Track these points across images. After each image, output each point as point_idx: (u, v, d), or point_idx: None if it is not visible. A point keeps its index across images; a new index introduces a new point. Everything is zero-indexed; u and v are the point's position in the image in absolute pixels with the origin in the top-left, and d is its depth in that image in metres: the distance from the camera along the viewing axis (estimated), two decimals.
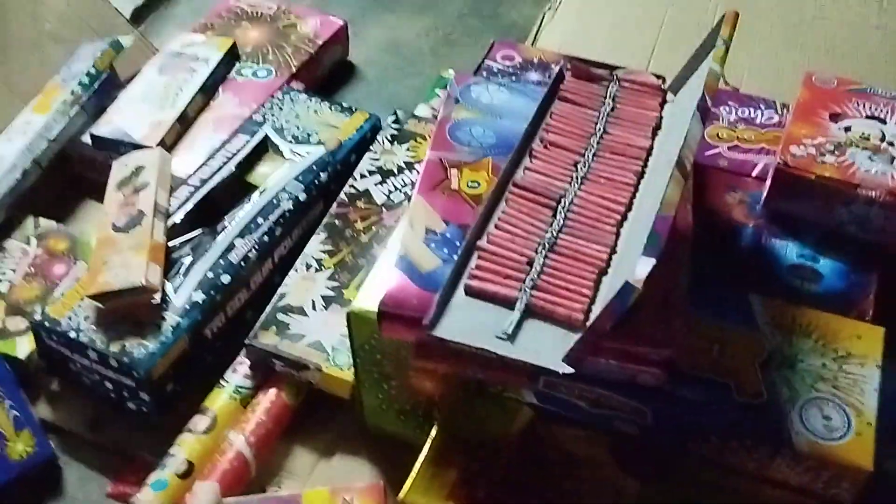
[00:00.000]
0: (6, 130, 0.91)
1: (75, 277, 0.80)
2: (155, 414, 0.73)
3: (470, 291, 0.58)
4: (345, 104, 0.94)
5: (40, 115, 0.91)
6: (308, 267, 0.79)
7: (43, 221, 0.86)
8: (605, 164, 0.66)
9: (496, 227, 0.61)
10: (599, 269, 0.59)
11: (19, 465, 0.70)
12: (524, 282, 0.58)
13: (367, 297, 0.62)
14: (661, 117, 0.70)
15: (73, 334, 0.72)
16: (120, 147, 0.89)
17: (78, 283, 0.76)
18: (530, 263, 0.59)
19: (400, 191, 0.84)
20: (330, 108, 0.93)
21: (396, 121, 0.90)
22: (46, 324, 0.73)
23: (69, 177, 0.93)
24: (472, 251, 0.60)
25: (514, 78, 0.92)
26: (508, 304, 0.57)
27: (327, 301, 0.76)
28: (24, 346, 0.76)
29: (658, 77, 0.75)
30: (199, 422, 0.72)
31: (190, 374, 0.75)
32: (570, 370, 0.53)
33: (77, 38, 1.01)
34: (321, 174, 0.86)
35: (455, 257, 0.59)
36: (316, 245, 0.80)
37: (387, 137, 0.88)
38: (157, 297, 0.73)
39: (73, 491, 0.72)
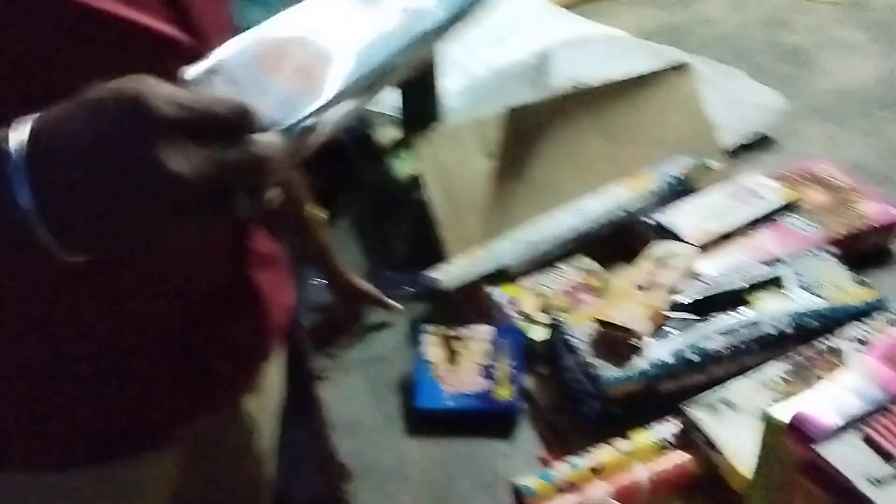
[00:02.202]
0: (602, 194, 1.21)
1: (592, 306, 1.06)
2: (597, 422, 0.95)
3: (866, 439, 0.68)
4: (864, 279, 1.05)
5: (626, 192, 1.19)
6: (762, 381, 0.93)
7: (592, 263, 1.14)
8: None
9: None
10: None
11: (497, 403, 0.98)
12: None
13: (787, 408, 0.76)
14: None
15: (573, 339, 0.97)
16: (669, 235, 1.13)
17: (593, 309, 1.01)
18: None
19: None
20: (849, 277, 1.05)
21: None
22: (561, 325, 0.99)
23: (622, 240, 1.20)
24: (885, 409, 0.70)
25: None
26: (889, 460, 0.66)
27: (761, 413, 0.90)
28: (539, 333, 1.04)
29: None
30: (622, 444, 0.91)
31: (634, 409, 0.95)
32: None
33: (679, 151, 1.28)
34: (812, 321, 0.99)
35: (867, 408, 0.70)
36: (777, 368, 0.94)
37: (888, 323, 0.98)
38: (638, 344, 0.95)
39: (518, 439, 0.97)
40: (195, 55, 0.56)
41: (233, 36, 0.66)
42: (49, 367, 0.67)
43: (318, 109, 0.48)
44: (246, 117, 0.45)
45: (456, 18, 0.59)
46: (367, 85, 0.52)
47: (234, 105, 0.45)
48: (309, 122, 0.48)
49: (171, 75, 0.54)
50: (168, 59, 0.55)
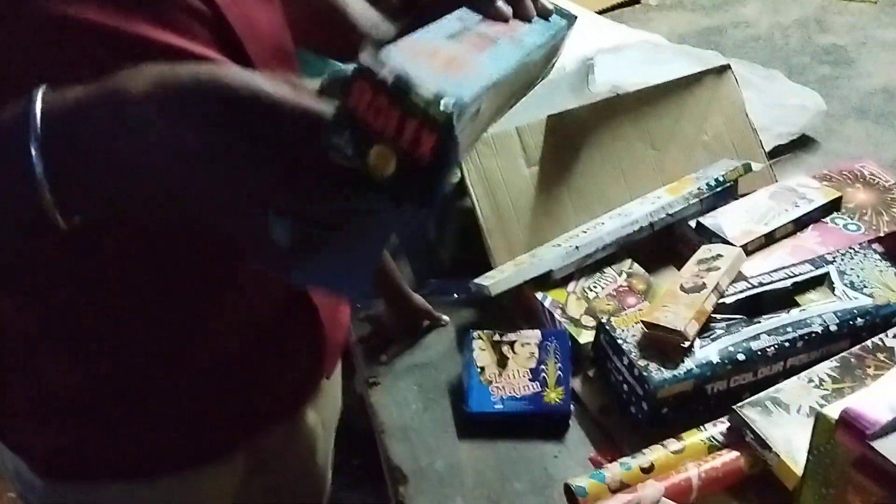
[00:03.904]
0: (644, 198, 1.22)
1: (639, 308, 1.07)
2: (646, 422, 0.96)
3: None
4: None
5: (669, 195, 1.20)
6: (810, 381, 0.94)
7: (636, 266, 1.15)
8: None
9: None
10: None
11: (547, 406, 0.99)
12: None
13: (839, 406, 0.77)
14: None
15: (620, 341, 0.98)
16: (713, 237, 1.14)
17: (639, 312, 1.03)
18: None
19: None
20: (895, 274, 1.06)
21: None
22: (608, 327, 1.01)
23: (666, 244, 1.21)
24: None
25: None
26: None
27: (811, 411, 0.91)
28: (586, 336, 1.05)
29: None
30: (672, 444, 0.92)
31: (682, 409, 0.96)
32: None
33: (721, 153, 1.29)
34: (858, 319, 1.00)
35: None
36: (826, 367, 0.95)
37: None
38: (686, 345, 0.96)
39: (569, 441, 0.99)
40: None
41: (290, 64, 0.68)
42: (129, 383, 0.70)
43: (479, 92, 0.45)
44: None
45: (550, 49, 0.61)
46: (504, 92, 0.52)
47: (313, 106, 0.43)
48: (472, 106, 0.44)
49: None
50: None
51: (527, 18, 0.62)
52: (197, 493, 0.76)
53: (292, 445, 0.84)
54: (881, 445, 0.70)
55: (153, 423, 0.71)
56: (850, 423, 0.73)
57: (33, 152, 0.42)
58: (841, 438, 0.74)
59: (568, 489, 0.88)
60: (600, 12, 1.84)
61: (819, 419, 0.78)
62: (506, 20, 0.60)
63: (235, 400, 0.74)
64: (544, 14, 0.64)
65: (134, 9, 0.54)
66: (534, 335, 1.05)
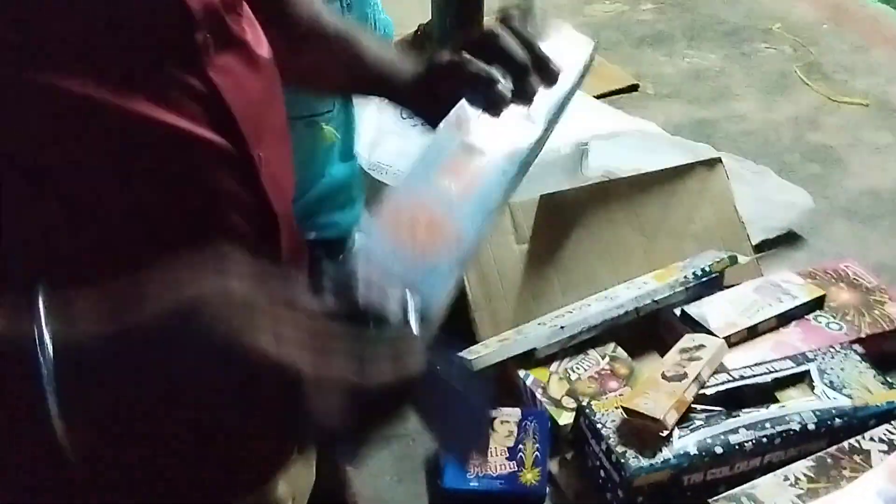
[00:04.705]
0: (632, 283, 1.24)
1: (620, 393, 1.08)
2: None
3: None
4: (889, 379, 1.06)
5: (656, 282, 1.22)
6: (786, 478, 0.94)
7: (620, 350, 1.16)
8: None
9: None
10: None
11: (522, 486, 0.99)
12: None
13: None
14: None
15: (599, 425, 0.98)
16: (697, 327, 1.15)
17: (620, 397, 1.03)
18: None
19: None
20: (874, 377, 1.06)
21: None
22: (588, 411, 1.01)
23: (650, 330, 1.22)
24: None
25: None
26: None
27: None
28: (566, 418, 1.05)
29: None
30: None
31: (657, 499, 0.95)
32: None
33: (709, 244, 1.31)
34: (837, 419, 1.00)
35: None
36: (802, 466, 0.95)
37: None
38: (664, 434, 0.96)
39: None
40: (238, 161, 0.58)
41: (285, 144, 0.69)
42: None
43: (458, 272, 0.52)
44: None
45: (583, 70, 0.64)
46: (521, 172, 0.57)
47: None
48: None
49: (211, 180, 0.55)
50: (209, 164, 0.57)
51: (531, 95, 0.63)
52: None
53: None
54: None
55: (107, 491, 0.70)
56: None
57: (49, 396, 0.42)
58: None
59: None
60: (598, 97, 1.88)
61: None
62: (507, 104, 0.62)
63: (201, 469, 0.72)
64: (550, 80, 0.65)
65: (132, 86, 0.54)
66: (513, 413, 1.05)
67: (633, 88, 2.05)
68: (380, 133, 1.54)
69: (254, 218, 0.64)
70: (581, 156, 1.39)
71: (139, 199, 0.58)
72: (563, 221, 1.26)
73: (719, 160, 1.36)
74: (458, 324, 1.18)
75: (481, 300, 1.19)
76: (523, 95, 0.64)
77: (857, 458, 0.95)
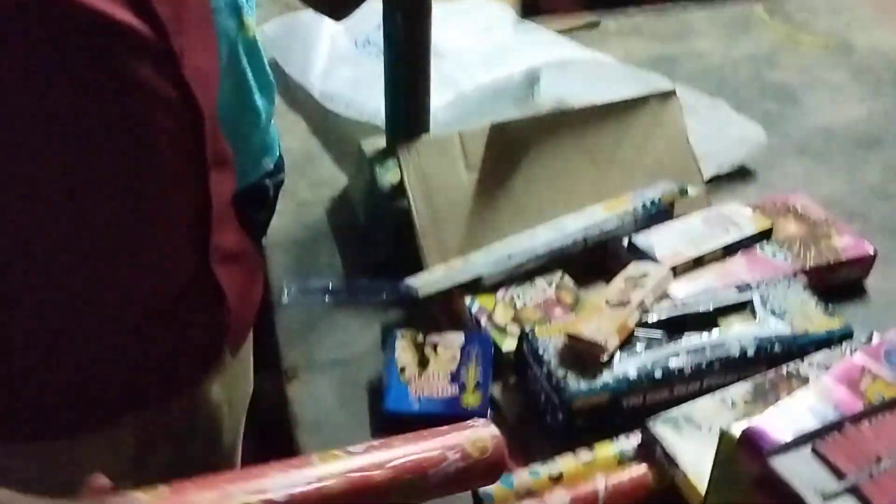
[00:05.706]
0: (581, 213, 1.23)
1: (563, 320, 1.08)
2: (561, 432, 0.96)
3: (817, 452, 0.70)
4: (831, 308, 1.07)
5: (605, 212, 1.21)
6: (723, 401, 0.95)
7: (566, 278, 1.15)
8: None
9: (870, 422, 0.72)
10: None
11: (464, 409, 0.99)
12: (865, 469, 0.68)
13: (743, 425, 0.77)
14: None
15: (541, 350, 0.98)
16: (643, 256, 1.15)
17: (562, 323, 1.03)
18: (879, 460, 0.68)
19: None
20: (816, 306, 1.07)
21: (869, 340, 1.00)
22: (530, 336, 1.01)
23: (598, 259, 1.22)
24: (838, 427, 0.71)
25: None
26: (840, 476, 0.68)
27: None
28: (510, 344, 1.05)
29: None
30: (584, 454, 0.92)
31: (597, 421, 0.96)
32: None
33: (660, 176, 1.29)
34: (776, 345, 1.01)
35: (821, 426, 0.72)
36: (740, 389, 0.96)
37: (850, 349, 1.00)
38: (605, 358, 0.97)
39: None
40: (157, 51, 0.56)
41: (208, 36, 0.66)
42: (9, 340, 0.67)
43: None
44: None
45: None
46: None
47: None
48: None
49: (128, 71, 0.53)
50: (126, 52, 0.54)
51: None
52: (78, 464, 0.74)
53: (196, 420, 0.82)
54: (781, 465, 0.70)
55: (32, 384, 0.69)
56: (751, 442, 0.73)
57: None
58: (742, 457, 0.75)
59: (475, 494, 0.88)
60: (559, 32, 1.85)
61: (722, 437, 0.78)
62: None
63: (124, 368, 0.72)
64: None
65: None
66: (457, 338, 1.05)
67: (594, 25, 2.02)
68: (332, 61, 1.51)
69: (177, 115, 0.61)
70: (532, 84, 1.37)
71: (48, 99, 0.55)
72: (513, 151, 1.24)
73: (674, 93, 1.34)
74: (405, 251, 1.17)
75: (429, 228, 1.18)
76: None
77: (795, 383, 0.96)
